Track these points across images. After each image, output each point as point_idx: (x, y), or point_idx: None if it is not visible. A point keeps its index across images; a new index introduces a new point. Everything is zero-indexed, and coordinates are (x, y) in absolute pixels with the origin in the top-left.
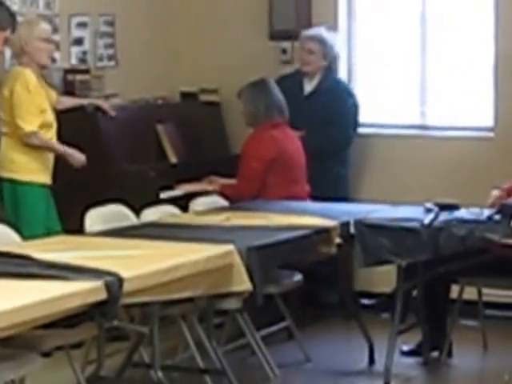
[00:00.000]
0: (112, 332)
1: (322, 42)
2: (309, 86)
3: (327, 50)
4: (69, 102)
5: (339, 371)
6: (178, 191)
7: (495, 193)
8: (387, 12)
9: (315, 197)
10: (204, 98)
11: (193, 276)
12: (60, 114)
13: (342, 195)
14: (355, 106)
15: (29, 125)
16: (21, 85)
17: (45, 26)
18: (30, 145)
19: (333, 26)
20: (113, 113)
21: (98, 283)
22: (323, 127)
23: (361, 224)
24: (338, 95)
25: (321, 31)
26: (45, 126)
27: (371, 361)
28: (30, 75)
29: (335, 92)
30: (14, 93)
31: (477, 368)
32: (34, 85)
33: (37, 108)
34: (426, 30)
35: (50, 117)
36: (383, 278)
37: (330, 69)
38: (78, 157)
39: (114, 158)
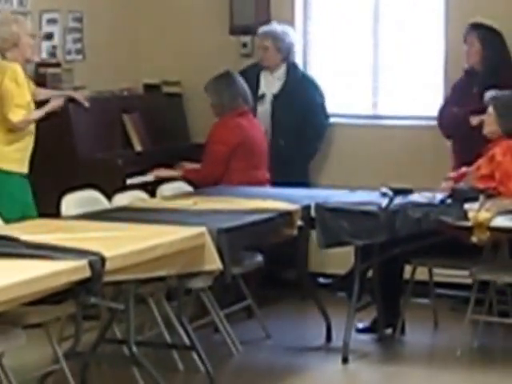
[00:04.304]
0: (83, 311)
1: (273, 37)
2: (270, 78)
3: (279, 43)
4: (46, 93)
5: (298, 347)
6: (148, 177)
7: (444, 185)
8: (342, 6)
9: (276, 182)
10: (166, 89)
11: (169, 256)
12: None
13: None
14: (322, 97)
15: (17, 116)
16: (10, 78)
17: (29, 23)
18: (19, 132)
19: (289, 22)
20: (87, 104)
21: (82, 262)
22: (297, 130)
23: (321, 208)
24: (305, 93)
25: (272, 26)
26: None
27: (328, 338)
28: (18, 69)
29: (302, 90)
30: (3, 86)
31: (428, 344)
32: (22, 78)
33: (24, 101)
34: (379, 23)
35: (33, 107)
36: (336, 260)
37: (294, 64)
38: (57, 105)
39: (84, 146)
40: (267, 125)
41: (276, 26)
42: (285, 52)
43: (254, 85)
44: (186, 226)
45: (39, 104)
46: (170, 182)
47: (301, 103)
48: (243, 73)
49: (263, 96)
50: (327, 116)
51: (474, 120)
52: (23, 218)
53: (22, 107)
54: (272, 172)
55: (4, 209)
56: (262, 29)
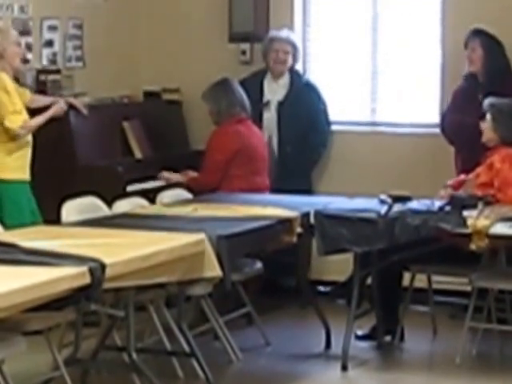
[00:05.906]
0: (83, 318)
1: (293, 44)
2: (274, 86)
3: (296, 51)
4: (43, 100)
5: (298, 354)
6: (144, 184)
7: (442, 192)
8: (341, 13)
9: (281, 190)
10: (166, 96)
11: (169, 262)
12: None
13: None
14: (324, 104)
15: (15, 123)
16: None
17: (14, 31)
18: (20, 138)
19: (289, 28)
20: (85, 111)
21: (82, 268)
22: (302, 137)
23: (320, 215)
24: (309, 100)
25: (288, 33)
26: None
27: (328, 345)
28: (5, 78)
29: (306, 97)
30: None
31: (427, 351)
32: (10, 86)
33: (18, 107)
34: (377, 31)
35: (26, 114)
36: (336, 267)
37: (296, 71)
38: (59, 109)
39: (84, 153)
40: (273, 132)
41: (290, 33)
42: (296, 61)
43: (258, 92)
44: (185, 233)
45: (37, 111)
46: (169, 188)
47: (305, 110)
48: (245, 81)
49: (268, 103)
50: (329, 122)
51: (485, 125)
52: (32, 224)
53: (18, 113)
54: (277, 179)
55: (12, 218)
56: (282, 34)
